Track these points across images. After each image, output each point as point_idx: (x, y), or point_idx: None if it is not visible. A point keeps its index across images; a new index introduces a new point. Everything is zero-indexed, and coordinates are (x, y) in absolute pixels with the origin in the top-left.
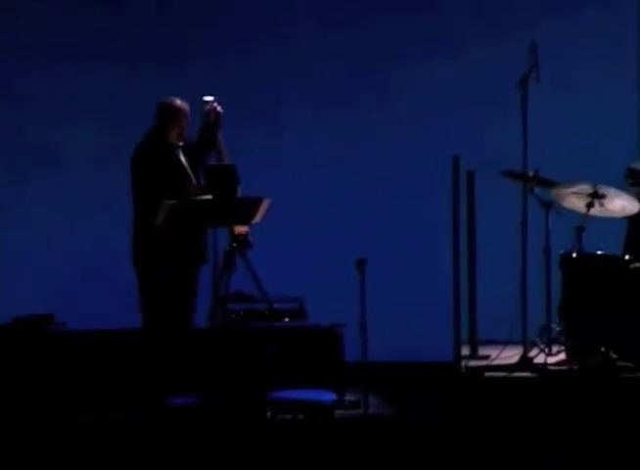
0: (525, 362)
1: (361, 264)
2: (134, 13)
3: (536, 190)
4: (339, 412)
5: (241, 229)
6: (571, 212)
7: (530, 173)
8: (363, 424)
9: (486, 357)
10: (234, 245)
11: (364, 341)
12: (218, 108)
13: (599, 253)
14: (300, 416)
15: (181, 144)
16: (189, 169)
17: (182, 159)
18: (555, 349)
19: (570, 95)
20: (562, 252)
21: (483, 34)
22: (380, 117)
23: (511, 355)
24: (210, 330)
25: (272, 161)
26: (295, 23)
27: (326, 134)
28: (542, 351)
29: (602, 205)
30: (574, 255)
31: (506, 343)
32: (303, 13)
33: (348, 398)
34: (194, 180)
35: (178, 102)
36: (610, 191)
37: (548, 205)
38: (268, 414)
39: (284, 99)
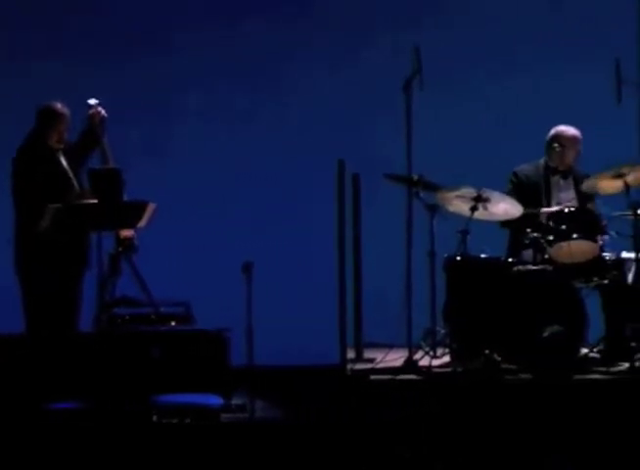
0: (409, 365)
1: (247, 268)
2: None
3: (421, 194)
4: (225, 416)
5: (126, 233)
6: (456, 216)
7: (415, 177)
8: (249, 428)
9: (372, 361)
10: (119, 249)
11: (250, 344)
12: (102, 112)
13: (483, 256)
14: (187, 420)
15: (62, 147)
16: (70, 173)
17: (63, 162)
18: (439, 351)
19: (455, 99)
20: (446, 255)
21: (370, 38)
22: (265, 120)
23: (396, 358)
24: (95, 334)
25: (157, 164)
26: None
27: (211, 138)
28: (427, 353)
29: (486, 208)
30: (459, 258)
31: (391, 346)
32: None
33: (235, 401)
34: (76, 184)
35: (58, 105)
36: (494, 195)
37: (433, 208)
38: (154, 418)
39: (174, 99)
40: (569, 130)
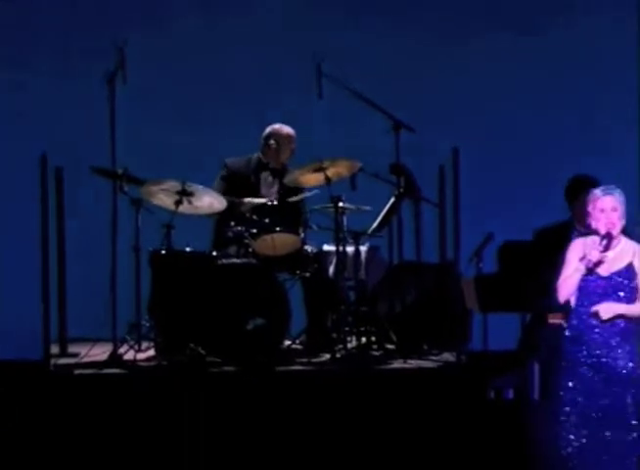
0: (114, 359)
1: None
2: None
3: (126, 188)
4: None
5: None
6: (162, 210)
7: (120, 171)
8: None
9: (76, 355)
10: None
11: None
12: None
13: (188, 249)
14: None
15: None
16: None
17: None
18: (144, 345)
19: (159, 92)
20: (151, 249)
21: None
22: None
23: (101, 353)
24: None
25: None
26: None
27: None
28: (132, 347)
29: (190, 202)
30: (163, 252)
31: (96, 340)
32: None
33: None
34: None
35: None
36: (198, 189)
37: (138, 202)
38: None
39: None
40: (283, 128)
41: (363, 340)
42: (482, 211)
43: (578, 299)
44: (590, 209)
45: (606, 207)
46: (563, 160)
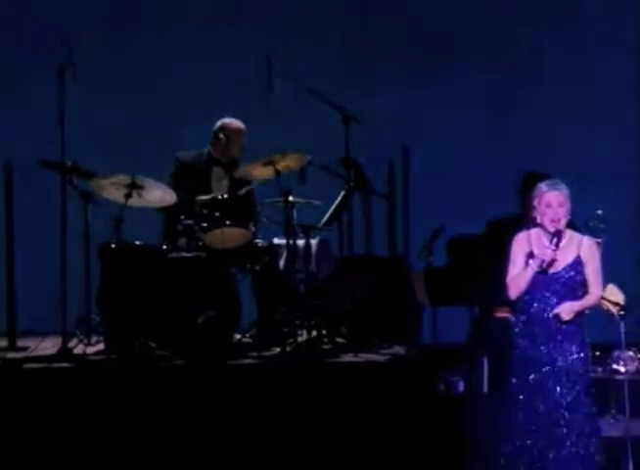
0: (64, 353)
1: None
2: None
3: (75, 181)
4: None
5: None
6: (112, 203)
7: (69, 164)
8: None
9: (25, 349)
10: None
11: None
12: None
13: (137, 243)
14: None
15: None
16: None
17: None
18: (94, 339)
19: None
20: (101, 242)
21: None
22: None
23: (50, 346)
24: None
25: None
26: None
27: None
28: (81, 341)
29: (140, 195)
30: (113, 245)
31: (45, 334)
32: None
33: None
34: None
35: None
36: (148, 182)
37: (87, 196)
38: None
39: None
40: (234, 123)
41: (313, 333)
42: (433, 205)
43: (528, 294)
44: (536, 203)
45: (552, 202)
46: (515, 153)
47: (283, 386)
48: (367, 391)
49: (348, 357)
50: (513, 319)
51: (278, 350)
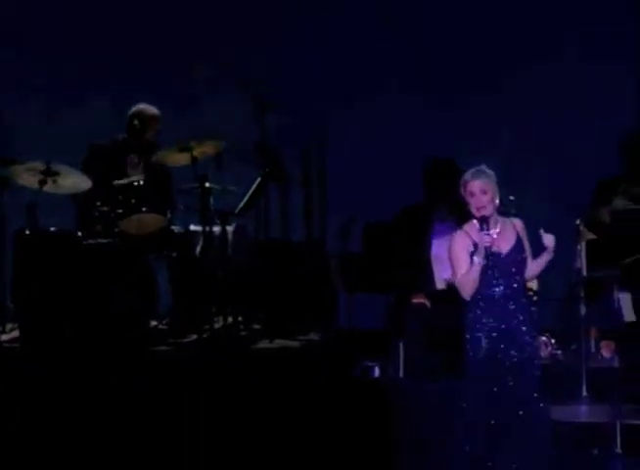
0: None
1: None
2: None
3: None
4: None
5: None
6: (27, 190)
7: None
8: None
9: None
10: None
11: None
12: None
13: (52, 229)
14: None
15: None
16: None
17: None
18: (9, 326)
19: None
20: (15, 229)
21: None
22: None
23: None
24: None
25: None
26: None
27: None
28: None
29: (55, 182)
30: (27, 232)
31: None
32: None
33: None
34: None
35: None
36: (63, 168)
37: (3, 182)
38: None
39: None
40: (148, 109)
41: (230, 320)
42: (351, 191)
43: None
44: (462, 192)
45: (475, 190)
46: (432, 139)
47: (198, 373)
48: (282, 377)
49: (264, 344)
50: (429, 305)
51: (194, 336)
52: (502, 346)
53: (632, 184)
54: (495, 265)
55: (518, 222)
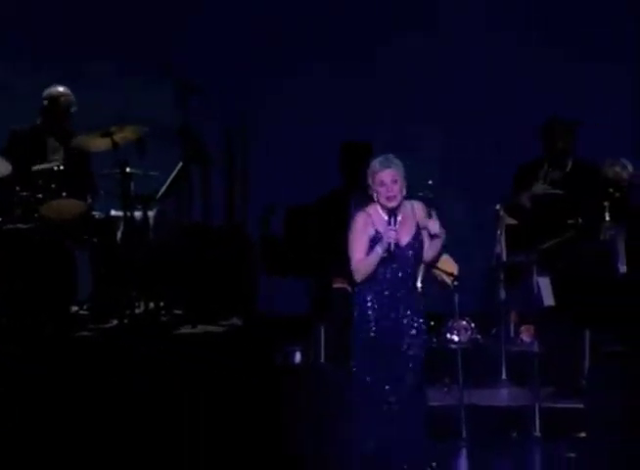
0: None
1: None
2: None
3: None
4: None
5: None
6: None
7: None
8: None
9: None
10: None
11: None
12: None
13: None
14: None
15: None
16: None
17: None
18: None
19: None
20: None
21: None
22: None
23: None
24: None
25: None
26: None
27: None
28: None
29: None
30: None
31: None
32: None
33: None
34: None
35: None
36: None
37: None
38: None
39: None
40: (58, 90)
41: (151, 305)
42: (273, 174)
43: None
44: (370, 181)
45: (385, 179)
46: (358, 124)
47: (119, 358)
48: (203, 362)
49: (185, 329)
50: (350, 290)
51: (115, 322)
52: (388, 326)
53: (552, 168)
54: (394, 256)
55: (418, 206)
